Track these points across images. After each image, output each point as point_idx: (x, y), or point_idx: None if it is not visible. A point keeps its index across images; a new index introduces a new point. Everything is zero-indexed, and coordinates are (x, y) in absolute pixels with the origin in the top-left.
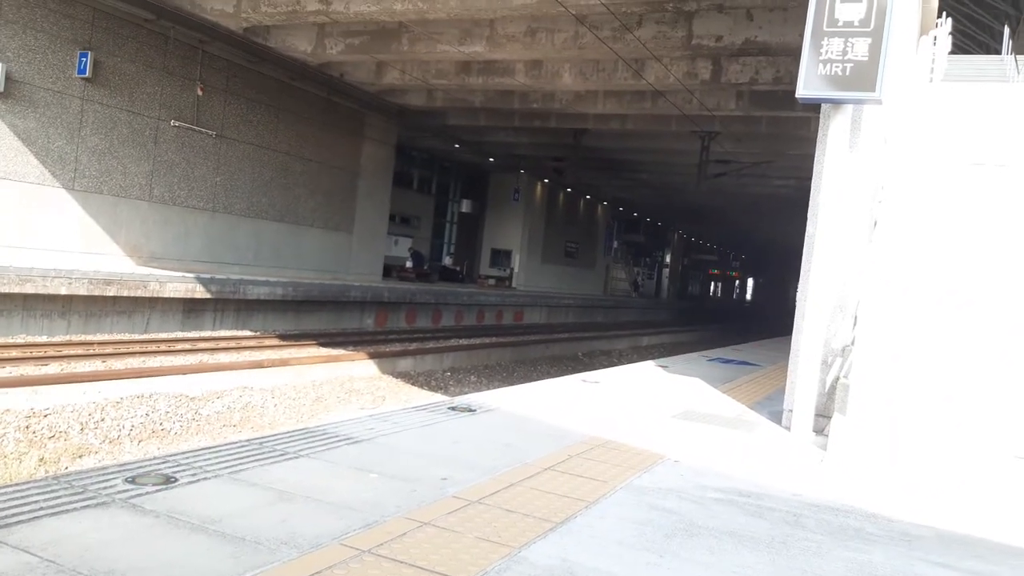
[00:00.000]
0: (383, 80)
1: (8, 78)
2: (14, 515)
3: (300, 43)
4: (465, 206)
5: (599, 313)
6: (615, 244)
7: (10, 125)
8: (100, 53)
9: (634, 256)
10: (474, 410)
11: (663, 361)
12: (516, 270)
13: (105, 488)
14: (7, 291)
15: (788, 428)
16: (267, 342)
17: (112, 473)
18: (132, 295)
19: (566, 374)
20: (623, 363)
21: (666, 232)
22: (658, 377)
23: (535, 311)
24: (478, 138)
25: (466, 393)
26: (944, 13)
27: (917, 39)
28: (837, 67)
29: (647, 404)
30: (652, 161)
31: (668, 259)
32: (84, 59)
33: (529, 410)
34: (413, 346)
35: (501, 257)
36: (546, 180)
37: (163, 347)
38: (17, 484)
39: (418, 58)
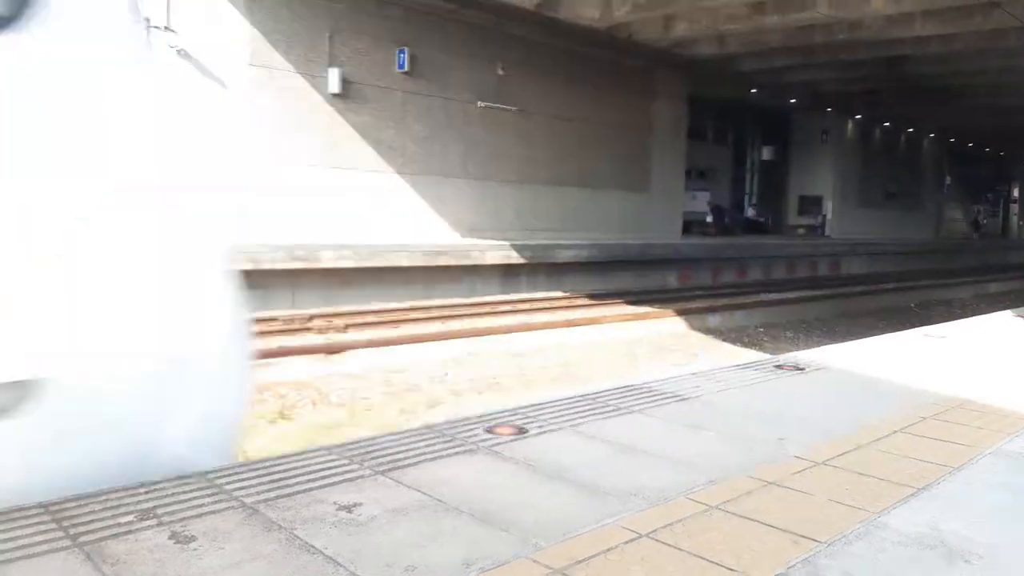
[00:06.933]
0: (671, 34)
1: (344, 80)
2: (402, 459)
3: (588, 10)
4: (766, 153)
5: (931, 259)
6: (947, 181)
7: (350, 122)
8: (414, 48)
9: (972, 193)
10: (803, 368)
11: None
12: (828, 217)
13: (470, 437)
14: (363, 265)
15: None
16: (577, 302)
17: (473, 423)
18: (459, 263)
19: (899, 328)
20: (968, 314)
21: (1012, 163)
22: (1020, 329)
23: (854, 260)
24: (776, 80)
25: (783, 350)
26: None
27: None
28: None
29: (1010, 360)
30: (987, 83)
31: (1016, 193)
32: (402, 55)
33: (865, 368)
34: (721, 302)
35: (810, 204)
36: (858, 116)
37: (487, 309)
38: (400, 432)
39: (706, 6)
